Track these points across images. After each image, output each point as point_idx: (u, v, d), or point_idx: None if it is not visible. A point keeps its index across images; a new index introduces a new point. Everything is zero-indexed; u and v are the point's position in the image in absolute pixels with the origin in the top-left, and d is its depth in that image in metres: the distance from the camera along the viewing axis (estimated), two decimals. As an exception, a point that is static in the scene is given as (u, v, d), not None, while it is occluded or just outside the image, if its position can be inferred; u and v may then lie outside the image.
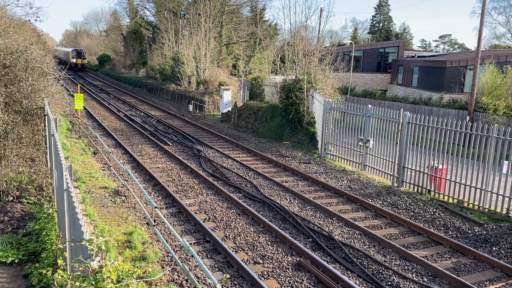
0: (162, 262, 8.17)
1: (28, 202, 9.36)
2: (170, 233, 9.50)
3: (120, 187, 12.28)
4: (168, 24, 45.08)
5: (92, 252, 3.38)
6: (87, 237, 3.61)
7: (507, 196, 11.11)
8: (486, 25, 61.34)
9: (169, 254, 8.38)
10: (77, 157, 14.78)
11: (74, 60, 65.72)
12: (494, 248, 9.57)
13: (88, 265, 3.26)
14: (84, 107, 26.25)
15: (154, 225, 8.51)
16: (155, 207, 8.79)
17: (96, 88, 42.49)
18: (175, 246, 8.93)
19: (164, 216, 10.24)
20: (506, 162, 11.14)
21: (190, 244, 8.86)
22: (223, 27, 43.61)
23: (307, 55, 21.50)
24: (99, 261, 3.27)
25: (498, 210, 11.25)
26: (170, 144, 18.98)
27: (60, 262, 4.02)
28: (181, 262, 7.59)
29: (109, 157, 14.80)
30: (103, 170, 14.12)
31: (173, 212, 10.91)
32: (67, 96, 19.61)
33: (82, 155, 15.43)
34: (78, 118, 21.07)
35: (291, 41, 23.11)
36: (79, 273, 3.39)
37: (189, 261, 8.12)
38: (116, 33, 72.32)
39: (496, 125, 11.49)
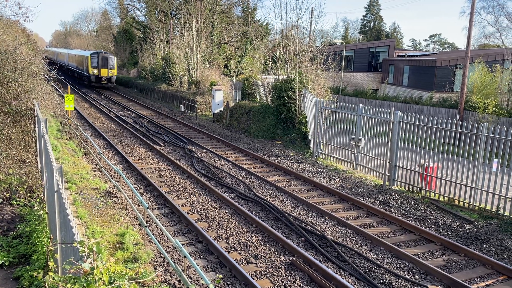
0: (155, 263, 8.14)
1: (18, 204, 9.26)
2: (162, 234, 9.46)
3: (111, 188, 12.20)
4: (159, 24, 44.88)
5: (83, 254, 3.35)
6: (78, 238, 3.59)
7: (496, 194, 11.24)
8: (475, 24, 61.98)
9: (161, 255, 8.34)
10: (67, 158, 14.66)
11: (95, 71, 40.66)
12: (484, 246, 9.66)
13: (80, 266, 3.24)
14: (74, 107, 26.05)
15: (146, 226, 8.47)
16: (147, 208, 8.75)
17: (87, 88, 42.20)
18: (168, 247, 8.89)
19: (156, 216, 10.20)
20: (495, 160, 11.26)
21: (183, 244, 8.83)
22: (215, 27, 43.53)
23: (299, 55, 21.56)
24: (90, 263, 3.24)
25: (488, 207, 11.36)
26: (162, 144, 18.90)
27: (51, 264, 3.99)
28: (174, 262, 7.57)
29: (100, 158, 14.69)
30: (94, 171, 14.02)
31: (166, 212, 10.87)
32: (57, 97, 19.43)
33: (73, 156, 15.31)
34: (69, 119, 20.90)
35: (282, 40, 23.15)
36: (71, 275, 3.36)
37: (182, 262, 8.09)
38: (107, 33, 71.83)
39: (485, 123, 11.62)
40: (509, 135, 10.95)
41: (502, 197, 11.14)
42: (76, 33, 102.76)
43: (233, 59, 38.47)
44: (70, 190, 11.45)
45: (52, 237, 5.44)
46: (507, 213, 10.89)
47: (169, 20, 45.84)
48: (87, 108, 29.64)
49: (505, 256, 9.22)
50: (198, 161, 16.16)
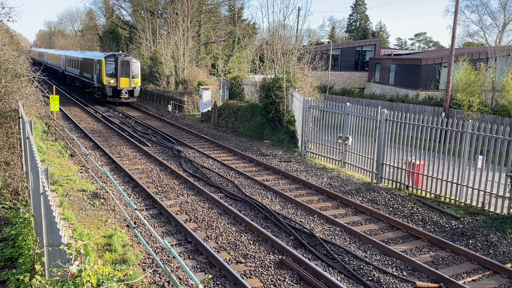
0: (143, 264, 8.08)
1: (3, 207, 9.11)
2: (151, 235, 9.40)
3: (98, 190, 12.08)
4: (145, 23, 44.57)
5: (70, 256, 3.31)
6: (65, 241, 3.54)
7: (482, 190, 11.41)
8: (460, 23, 62.78)
9: (150, 256, 8.29)
10: (53, 160, 14.46)
11: (112, 81, 29.91)
12: (470, 241, 9.81)
13: (67, 269, 3.20)
14: (60, 108, 25.72)
15: (134, 227, 8.41)
16: (135, 209, 8.68)
17: (72, 89, 41.66)
18: (156, 248, 8.84)
19: (144, 217, 10.13)
20: (480, 157, 11.44)
21: (172, 245, 8.79)
22: (201, 26, 43.37)
23: (286, 54, 21.61)
24: (78, 265, 3.21)
25: (474, 203, 11.53)
26: (150, 145, 18.77)
27: (37, 267, 3.93)
28: (163, 263, 7.52)
29: (86, 159, 14.54)
30: (80, 172, 13.86)
31: (154, 213, 10.80)
32: (42, 98, 19.16)
33: (58, 158, 15.11)
34: (54, 120, 20.63)
35: (269, 40, 23.19)
36: (58, 278, 3.32)
37: (171, 263, 8.05)
38: (92, 33, 71.08)
39: (470, 121, 11.79)
40: (493, 132, 11.13)
41: (487, 193, 11.32)
42: (60, 33, 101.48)
43: (220, 59, 38.39)
44: (56, 192, 11.30)
45: (38, 240, 5.36)
46: (492, 209, 11.06)
47: (155, 20, 45.55)
48: (73, 108, 29.29)
49: (490, 251, 9.37)
50: (186, 161, 16.09)
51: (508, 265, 8.62)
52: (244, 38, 35.24)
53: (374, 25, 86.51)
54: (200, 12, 43.18)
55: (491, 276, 8.35)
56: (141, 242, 8.65)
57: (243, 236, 9.57)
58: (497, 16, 52.07)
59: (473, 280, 8.17)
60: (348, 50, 42.97)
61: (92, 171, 13.46)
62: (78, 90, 39.39)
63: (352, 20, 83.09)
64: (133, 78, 30.34)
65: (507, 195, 10.68)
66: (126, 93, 30.16)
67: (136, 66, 30.54)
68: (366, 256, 8.88)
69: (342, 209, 11.71)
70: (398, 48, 76.39)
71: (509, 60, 27.16)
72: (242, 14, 49.08)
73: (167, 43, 37.48)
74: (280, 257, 8.55)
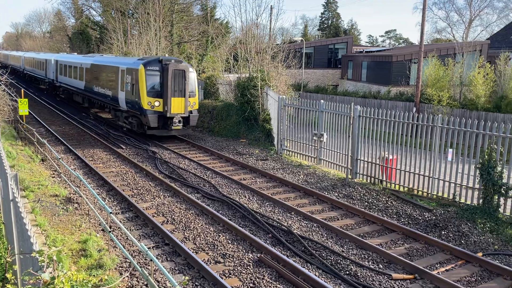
0: (120, 268, 7.96)
1: (-29, 216, 8.79)
2: (127, 239, 9.27)
3: (72, 194, 11.82)
4: (116, 23, 43.76)
5: (43, 264, 3.24)
6: (37, 248, 3.46)
7: (452, 182, 11.75)
8: (428, 20, 64.48)
9: (127, 260, 8.17)
10: (24, 165, 14.05)
11: (158, 103, 18.70)
12: (443, 232, 10.08)
13: (39, 277, 3.12)
14: (29, 112, 25.00)
15: (110, 231, 8.27)
16: (110, 212, 8.54)
17: (41, 92, 40.54)
18: (133, 251, 8.72)
19: (120, 221, 9.97)
20: (450, 150, 11.77)
21: (149, 248, 8.69)
22: (174, 26, 42.96)
23: (260, 53, 21.66)
24: (50, 272, 3.14)
25: (445, 195, 11.87)
26: (124, 147, 18.48)
27: (9, 276, 3.82)
28: (140, 267, 7.44)
29: (59, 163, 14.19)
30: (53, 177, 13.52)
31: (130, 216, 10.65)
32: (10, 102, 18.57)
33: (29, 163, 14.70)
34: (24, 124, 20.04)
35: (243, 39, 23.19)
36: (30, 286, 3.24)
37: (149, 266, 7.96)
38: (61, 34, 69.30)
39: (440, 115, 12.12)
40: (461, 126, 11.47)
41: (457, 185, 11.66)
42: (28, 34, 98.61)
43: (194, 58, 38.11)
44: (27, 198, 10.99)
45: (9, 248, 5.21)
46: (463, 200, 11.41)
47: (126, 20, 44.83)
48: (43, 112, 28.51)
49: (462, 241, 9.66)
50: (162, 163, 15.93)
51: (479, 254, 8.91)
52: (217, 37, 35.11)
53: (346, 23, 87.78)
54: (172, 12, 42.76)
55: (464, 266, 8.61)
56: (117, 246, 8.52)
57: (221, 236, 9.55)
58: (463, 13, 53.73)
59: (447, 270, 8.41)
60: (321, 48, 43.40)
61: (65, 176, 13.15)
62: (77, 107, 29.79)
63: (324, 18, 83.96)
64: (190, 97, 19.29)
65: (477, 186, 11.03)
66: (180, 121, 18.97)
67: (193, 78, 19.66)
68: (343, 251, 9.01)
69: (318, 205, 11.84)
70: (369, 45, 77.69)
71: (475, 55, 28.04)
72: (215, 13, 48.88)
73: (139, 43, 36.92)
74: (258, 255, 8.57)
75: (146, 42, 35.41)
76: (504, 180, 10.36)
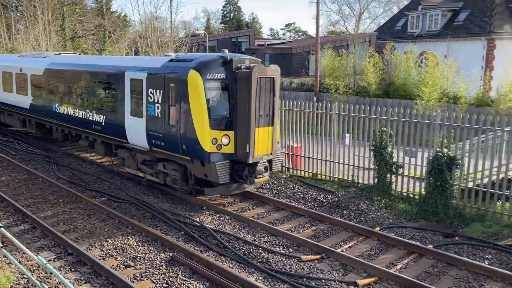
0: (17, 286, 7.26)
1: None
2: (24, 253, 8.46)
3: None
4: (-3, 17, 39.41)
5: None
6: None
7: (351, 165, 12.65)
8: (323, 13, 67.98)
9: (24, 275, 7.47)
10: None
11: (226, 143, 10.41)
12: (345, 212, 10.80)
13: None
14: None
15: (1, 247, 7.48)
16: (1, 226, 7.71)
17: None
18: (32, 265, 8.00)
19: (15, 234, 9.06)
20: (347, 135, 12.64)
21: (49, 260, 8.03)
22: (65, 19, 39.93)
23: (162, 47, 21.11)
24: None
25: (346, 178, 12.73)
26: (14, 153, 16.78)
27: None
28: (40, 282, 6.85)
29: None
30: None
31: (26, 228, 9.73)
32: None
33: None
34: None
35: (143, 32, 22.38)
36: None
37: (50, 279, 7.36)
38: None
39: (337, 103, 12.92)
40: (356, 112, 12.37)
41: (355, 167, 12.58)
42: None
43: (90, 54, 35.88)
44: None
45: None
46: (361, 181, 12.34)
47: (9, 13, 40.56)
48: None
49: (362, 218, 10.44)
50: (60, 168, 14.78)
51: (377, 229, 9.72)
52: (115, 31, 33.45)
53: (247, 16, 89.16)
54: (63, 4, 39.68)
55: (364, 241, 9.32)
56: (12, 262, 7.74)
57: (131, 238, 9.18)
58: (354, 6, 57.69)
59: (350, 247, 9.03)
60: (224, 41, 43.61)
61: None
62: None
63: (226, 12, 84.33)
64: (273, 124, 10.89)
65: (372, 167, 12.00)
66: (266, 169, 11.09)
67: (278, 89, 11.25)
68: (255, 240, 9.21)
69: (230, 198, 11.93)
70: (271, 38, 79.87)
71: (365, 46, 30.33)
72: (111, 6, 46.52)
73: (26, 39, 33.73)
74: (171, 254, 8.41)
75: (35, 37, 32.50)
76: (394, 160, 11.40)
